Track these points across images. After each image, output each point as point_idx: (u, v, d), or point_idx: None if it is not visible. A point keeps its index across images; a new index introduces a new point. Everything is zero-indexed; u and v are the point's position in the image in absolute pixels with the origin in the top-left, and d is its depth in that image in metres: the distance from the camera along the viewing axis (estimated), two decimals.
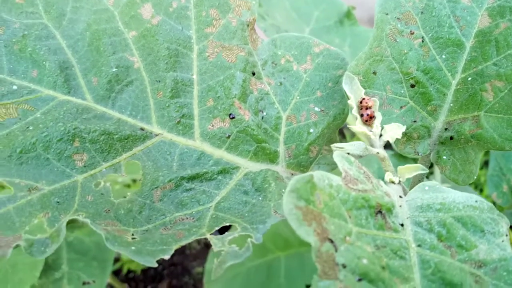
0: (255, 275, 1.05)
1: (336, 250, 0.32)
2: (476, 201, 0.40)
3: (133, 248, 0.36)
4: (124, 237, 0.38)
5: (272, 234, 1.08)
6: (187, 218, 0.43)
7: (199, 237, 0.39)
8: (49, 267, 1.04)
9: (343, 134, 1.50)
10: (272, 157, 0.52)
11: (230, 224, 0.41)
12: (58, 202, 0.40)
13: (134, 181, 1.24)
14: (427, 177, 0.91)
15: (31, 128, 0.44)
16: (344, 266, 0.31)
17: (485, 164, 1.62)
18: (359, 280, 0.31)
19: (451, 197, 0.40)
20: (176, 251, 1.44)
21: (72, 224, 1.09)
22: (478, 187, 1.63)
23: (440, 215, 0.39)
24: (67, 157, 0.44)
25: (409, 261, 0.35)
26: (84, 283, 1.03)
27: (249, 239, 0.38)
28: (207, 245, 1.48)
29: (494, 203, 0.95)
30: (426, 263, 0.35)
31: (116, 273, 1.39)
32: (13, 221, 0.38)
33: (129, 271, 1.41)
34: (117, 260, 1.38)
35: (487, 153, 1.48)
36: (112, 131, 0.46)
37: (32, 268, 0.98)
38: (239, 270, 1.04)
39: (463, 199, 0.40)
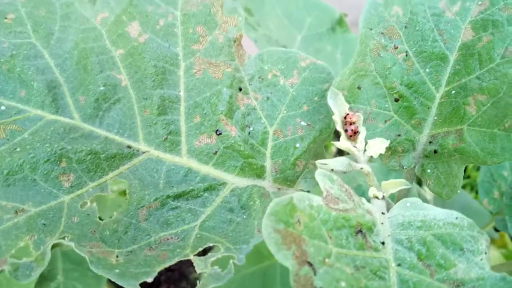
0: (250, 282, 1.05)
1: (314, 273, 0.32)
2: (456, 218, 0.40)
3: (116, 271, 0.37)
4: (108, 259, 0.38)
5: None
6: (172, 237, 0.43)
7: (182, 258, 0.39)
8: (45, 277, 1.05)
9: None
10: (259, 172, 0.53)
11: (214, 244, 0.42)
12: (44, 224, 0.41)
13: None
14: (420, 185, 0.91)
15: (18, 149, 0.44)
16: None
17: (477, 166, 1.62)
18: None
19: (432, 214, 0.41)
20: None
21: None
22: (474, 189, 1.64)
23: (421, 233, 0.39)
24: (54, 178, 0.44)
25: (388, 281, 0.35)
26: None
27: (231, 261, 0.38)
28: (204, 251, 1.49)
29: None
30: (405, 283, 0.35)
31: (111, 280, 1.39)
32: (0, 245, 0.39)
33: None
34: None
35: None
36: (98, 150, 0.47)
37: None
38: (234, 278, 1.04)
39: (444, 216, 0.41)
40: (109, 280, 1.16)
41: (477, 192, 1.60)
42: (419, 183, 0.95)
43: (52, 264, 1.07)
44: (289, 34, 1.07)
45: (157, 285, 1.44)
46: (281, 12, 1.10)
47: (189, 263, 1.46)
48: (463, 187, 1.56)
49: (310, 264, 0.32)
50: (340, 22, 1.10)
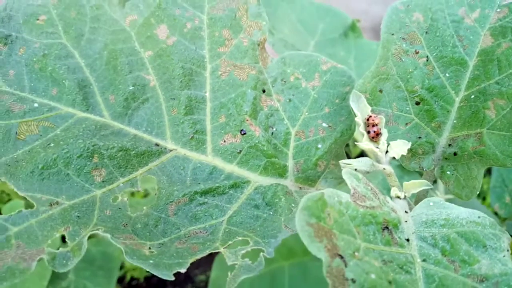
0: (259, 284, 1.06)
1: (345, 266, 0.33)
2: (479, 217, 0.42)
3: (151, 261, 0.38)
4: (141, 250, 0.40)
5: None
6: (201, 231, 0.44)
7: (213, 251, 0.40)
8: (56, 276, 1.06)
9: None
10: (281, 172, 0.54)
11: (243, 238, 0.43)
12: (78, 216, 0.42)
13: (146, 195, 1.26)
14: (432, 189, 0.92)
15: (52, 144, 0.46)
16: (353, 281, 0.32)
17: (488, 171, 1.63)
18: None
19: (455, 213, 0.42)
20: None
21: None
22: (481, 195, 1.64)
23: (444, 230, 0.41)
24: (86, 172, 0.46)
25: (414, 276, 0.36)
26: None
27: (261, 253, 0.40)
28: (210, 253, 1.50)
29: (496, 214, 0.97)
30: (431, 277, 0.36)
31: (119, 280, 1.40)
32: (36, 235, 0.40)
33: (132, 279, 1.42)
34: (120, 267, 1.40)
35: None
36: (129, 147, 0.48)
37: (40, 277, 1.00)
38: (243, 280, 1.05)
39: (466, 215, 0.42)
40: (118, 279, 1.16)
41: (484, 199, 1.61)
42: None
43: None
44: (302, 39, 1.09)
45: (162, 287, 1.45)
46: (294, 17, 1.12)
47: (195, 266, 1.47)
48: None
49: (341, 257, 0.34)
50: (352, 27, 1.11)
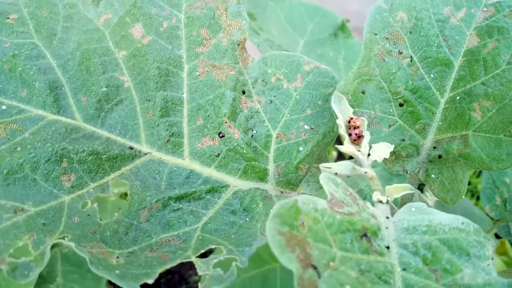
0: (251, 286, 1.05)
1: (319, 277, 0.32)
2: (462, 223, 0.40)
3: (117, 272, 0.36)
4: (108, 260, 0.38)
5: (268, 245, 1.08)
6: (173, 239, 0.42)
7: (184, 260, 0.39)
8: (44, 279, 1.04)
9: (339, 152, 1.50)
10: (261, 175, 0.52)
11: (216, 246, 0.41)
12: (44, 224, 0.40)
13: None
14: (421, 190, 0.91)
15: (18, 148, 0.44)
16: None
17: (479, 172, 1.62)
18: None
19: (438, 219, 0.40)
20: None
21: None
22: (475, 196, 1.64)
23: (426, 237, 0.39)
24: (54, 177, 0.44)
25: (393, 286, 0.35)
26: None
27: (233, 263, 0.38)
28: (204, 254, 1.48)
29: (487, 215, 0.95)
30: (411, 287, 0.35)
31: (112, 282, 1.38)
32: None
33: None
34: None
35: None
36: (100, 151, 0.46)
37: None
38: (234, 281, 1.04)
39: (449, 221, 0.40)
40: (108, 282, 1.15)
41: (477, 199, 1.60)
42: (420, 189, 0.94)
43: (51, 266, 1.07)
44: (291, 39, 1.07)
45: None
46: (283, 17, 1.10)
47: (189, 266, 1.45)
48: None
49: (315, 268, 0.32)
50: (342, 27, 1.10)
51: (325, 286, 0.31)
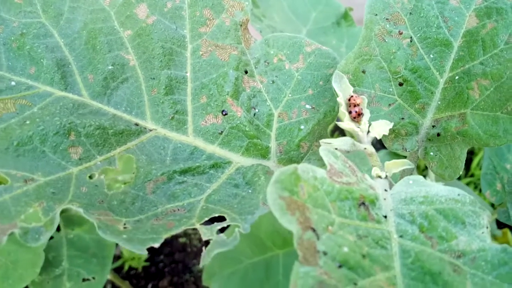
0: (253, 273, 1.06)
1: (318, 238, 0.33)
2: (458, 195, 0.41)
3: (124, 236, 0.38)
4: (116, 226, 0.39)
5: (271, 232, 1.09)
6: (178, 209, 0.44)
7: (188, 227, 0.40)
8: (50, 263, 1.06)
9: (341, 131, 1.51)
10: (263, 153, 0.54)
11: (220, 215, 0.43)
12: (53, 192, 0.42)
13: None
14: (424, 175, 0.91)
15: (28, 122, 0.45)
16: (324, 253, 0.32)
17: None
18: (339, 266, 0.32)
19: (434, 191, 0.42)
20: (177, 249, 1.44)
21: (72, 221, 1.10)
22: (478, 188, 1.64)
23: (423, 207, 0.40)
24: (62, 150, 0.45)
25: (390, 251, 0.36)
26: (83, 280, 1.05)
27: (236, 229, 0.39)
28: (208, 243, 1.49)
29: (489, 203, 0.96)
30: (407, 252, 0.36)
31: (117, 270, 1.40)
32: (9, 210, 0.39)
33: (130, 268, 1.42)
34: (118, 257, 1.39)
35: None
36: (107, 125, 0.48)
37: (33, 264, 0.99)
38: (237, 268, 1.05)
39: (446, 192, 0.41)
40: (113, 269, 1.16)
41: (480, 191, 1.60)
42: (424, 175, 0.95)
43: (57, 251, 1.08)
44: (294, 27, 1.08)
45: (160, 277, 1.44)
46: (286, 5, 1.11)
47: (193, 256, 1.47)
48: (467, 185, 1.56)
49: (314, 230, 0.33)
50: (345, 16, 1.11)
51: (323, 247, 0.32)
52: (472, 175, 1.67)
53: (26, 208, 0.39)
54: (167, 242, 1.47)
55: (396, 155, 0.97)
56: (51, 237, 1.08)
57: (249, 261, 1.06)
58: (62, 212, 0.39)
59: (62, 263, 1.08)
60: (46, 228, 0.38)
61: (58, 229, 1.06)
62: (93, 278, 1.06)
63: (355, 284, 0.31)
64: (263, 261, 1.07)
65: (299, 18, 1.14)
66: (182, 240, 1.47)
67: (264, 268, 1.06)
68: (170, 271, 1.44)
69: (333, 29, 1.11)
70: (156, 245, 0.37)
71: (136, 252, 0.36)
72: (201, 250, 1.49)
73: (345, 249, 0.33)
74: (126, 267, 1.40)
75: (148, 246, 0.37)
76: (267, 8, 1.04)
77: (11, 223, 0.38)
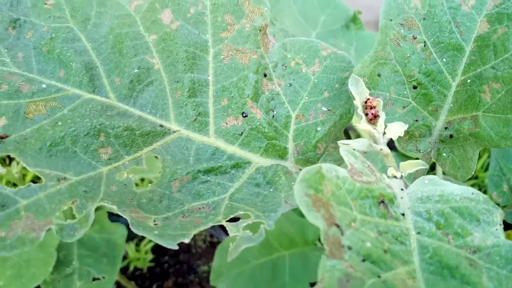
0: (261, 273, 1.08)
1: (342, 234, 0.35)
2: (472, 193, 0.43)
3: (155, 232, 0.40)
4: (146, 223, 0.41)
5: (278, 233, 1.11)
6: (203, 207, 0.46)
7: (215, 224, 0.42)
8: (61, 262, 1.07)
9: (348, 135, 1.52)
10: (281, 153, 0.56)
11: (244, 212, 0.45)
12: (85, 191, 0.44)
13: (142, 180, 1.27)
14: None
15: (59, 123, 0.47)
16: (349, 248, 0.34)
17: (488, 165, 1.64)
18: (363, 260, 0.34)
19: (449, 190, 0.44)
20: (182, 250, 1.46)
21: None
22: (482, 190, 1.66)
23: (439, 206, 0.42)
24: (93, 150, 0.47)
25: (409, 247, 0.38)
26: (94, 279, 1.06)
27: (261, 225, 0.41)
28: (212, 244, 1.51)
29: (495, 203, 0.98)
30: (425, 248, 0.38)
31: (123, 270, 1.42)
32: (44, 208, 0.42)
33: (135, 269, 1.44)
34: (123, 258, 1.41)
35: (490, 156, 1.51)
36: (134, 127, 0.50)
37: (45, 263, 1.01)
38: (245, 268, 1.07)
39: (461, 191, 0.43)
40: (120, 269, 1.18)
41: (485, 192, 1.62)
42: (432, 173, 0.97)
43: (67, 250, 1.10)
44: (304, 31, 1.10)
45: (165, 277, 1.46)
46: (296, 9, 1.13)
47: (197, 257, 1.49)
48: (471, 186, 1.57)
49: (338, 226, 0.35)
50: (354, 19, 1.12)
51: (348, 242, 0.34)
52: (476, 177, 1.68)
53: (60, 205, 0.41)
54: None
55: (405, 157, 0.99)
56: None
57: (256, 262, 1.07)
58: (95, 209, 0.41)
59: (72, 262, 1.10)
60: (81, 225, 0.40)
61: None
62: (103, 277, 1.08)
63: (379, 276, 0.33)
64: (270, 262, 1.09)
65: (309, 21, 1.15)
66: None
67: (271, 269, 1.08)
68: (174, 272, 1.46)
69: (342, 32, 1.13)
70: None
71: (168, 247, 0.38)
72: (205, 252, 1.51)
73: (368, 244, 0.35)
74: (131, 268, 1.42)
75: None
76: (277, 13, 1.06)
77: (46, 220, 0.40)
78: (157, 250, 1.48)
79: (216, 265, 1.07)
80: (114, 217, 1.38)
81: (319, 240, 1.13)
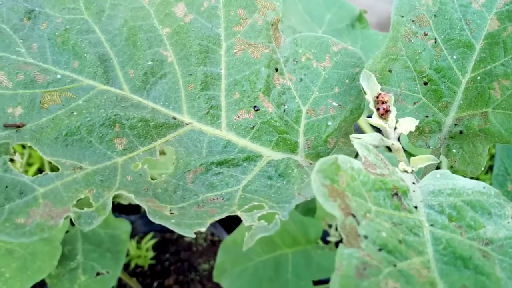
0: (263, 270, 1.08)
1: (358, 224, 0.35)
2: (484, 188, 0.44)
3: (172, 221, 0.40)
4: (163, 212, 0.42)
5: (281, 231, 1.11)
6: (217, 198, 0.46)
7: (230, 214, 0.42)
8: (65, 257, 1.08)
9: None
10: (292, 148, 0.56)
11: (258, 203, 0.45)
12: (101, 180, 0.44)
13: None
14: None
15: (75, 113, 0.48)
16: (365, 237, 0.34)
17: (490, 168, 1.65)
18: (379, 250, 0.34)
19: (461, 184, 0.44)
20: (183, 247, 1.46)
21: None
22: None
23: (451, 199, 0.43)
24: (108, 140, 0.48)
25: (422, 238, 0.38)
26: (98, 274, 1.07)
27: (276, 216, 0.42)
28: (213, 243, 1.51)
29: None
30: (438, 239, 0.38)
31: (124, 267, 1.42)
32: (62, 196, 0.42)
33: (136, 266, 1.44)
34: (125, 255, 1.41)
35: (492, 157, 1.51)
36: (148, 118, 0.50)
37: (51, 256, 1.01)
38: (248, 265, 1.07)
39: (472, 185, 0.44)
40: (123, 267, 1.18)
41: None
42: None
43: (72, 245, 1.11)
44: (309, 29, 1.10)
45: (166, 275, 1.46)
46: (301, 7, 1.13)
47: (198, 255, 1.49)
48: None
49: (354, 216, 0.36)
50: (359, 18, 1.13)
51: (364, 232, 0.35)
52: (477, 179, 1.69)
53: (77, 194, 0.42)
54: (173, 241, 1.49)
55: (412, 155, 0.99)
56: (67, 231, 1.11)
57: (259, 259, 1.08)
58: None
59: (77, 257, 1.10)
60: (98, 213, 0.40)
61: (73, 223, 1.09)
62: (107, 272, 1.08)
63: (395, 266, 0.34)
64: (273, 259, 1.09)
65: (314, 20, 1.16)
66: (187, 239, 1.49)
67: (274, 266, 1.08)
68: (175, 270, 1.46)
69: (347, 31, 1.14)
70: (203, 229, 0.39)
71: (185, 235, 0.39)
72: (206, 250, 1.51)
73: (384, 234, 0.35)
74: (132, 265, 1.42)
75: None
76: (284, 11, 1.06)
77: (64, 207, 0.41)
78: (158, 247, 1.48)
79: (219, 262, 1.08)
80: (116, 213, 1.38)
81: (321, 238, 1.14)
